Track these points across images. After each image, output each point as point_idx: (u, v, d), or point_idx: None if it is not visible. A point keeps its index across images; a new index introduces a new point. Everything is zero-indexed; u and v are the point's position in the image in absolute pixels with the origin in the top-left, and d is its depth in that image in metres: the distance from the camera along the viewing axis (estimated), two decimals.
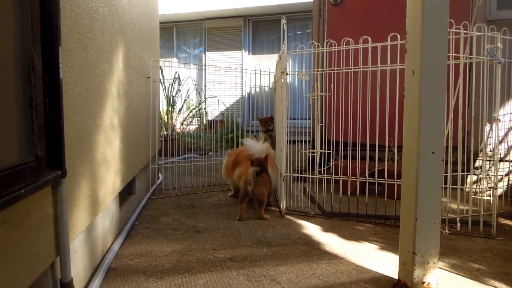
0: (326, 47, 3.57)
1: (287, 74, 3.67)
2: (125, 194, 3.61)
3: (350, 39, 3.43)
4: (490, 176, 3.98)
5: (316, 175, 3.71)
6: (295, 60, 6.69)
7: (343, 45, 3.47)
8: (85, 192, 2.17)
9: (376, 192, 3.49)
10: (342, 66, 3.51)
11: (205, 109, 9.31)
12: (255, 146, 3.98)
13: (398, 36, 3.23)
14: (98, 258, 2.52)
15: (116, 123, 2.89)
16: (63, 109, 1.60)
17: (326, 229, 3.34)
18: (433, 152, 2.00)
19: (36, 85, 1.39)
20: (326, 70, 3.61)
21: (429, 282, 2.09)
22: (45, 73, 1.44)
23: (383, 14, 4.52)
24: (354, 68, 3.45)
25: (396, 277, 2.37)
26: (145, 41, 4.17)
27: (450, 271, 2.46)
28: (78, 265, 2.11)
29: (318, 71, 3.71)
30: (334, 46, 3.53)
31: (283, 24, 3.72)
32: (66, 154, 1.78)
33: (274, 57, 10.79)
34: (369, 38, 3.35)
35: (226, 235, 3.17)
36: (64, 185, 1.75)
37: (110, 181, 2.72)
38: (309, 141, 4.70)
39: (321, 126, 3.70)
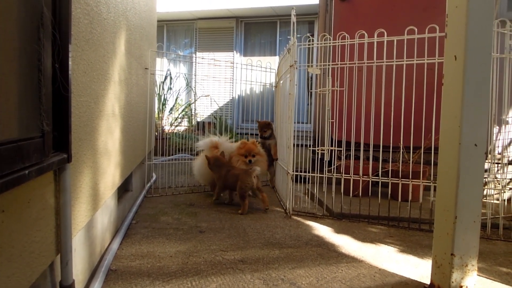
0: (339, 40, 3.40)
1: (296, 68, 3.48)
2: (122, 190, 3.35)
3: (364, 32, 3.27)
4: (498, 179, 3.88)
5: (325, 174, 3.52)
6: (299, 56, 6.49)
7: (356, 38, 3.31)
8: (87, 183, 1.92)
9: (389, 193, 3.32)
10: (355, 60, 3.35)
11: (195, 110, 9.04)
12: (200, 142, 4.43)
13: (416, 29, 3.10)
14: (97, 258, 2.27)
15: (117, 112, 2.65)
16: (70, 78, 1.36)
17: (337, 230, 3.15)
18: (475, 145, 1.84)
19: (45, 46, 1.15)
20: (338, 64, 3.45)
21: (467, 286, 1.91)
22: (55, 32, 1.20)
23: (393, 10, 4.41)
24: (368, 62, 3.30)
25: (424, 281, 2.20)
26: (145, 30, 3.94)
27: (480, 275, 2.30)
28: (77, 266, 1.85)
29: (330, 65, 3.54)
30: (347, 39, 3.36)
31: (292, 15, 3.55)
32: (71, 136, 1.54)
33: (266, 60, 10.61)
34: (385, 31, 3.20)
35: (232, 235, 2.95)
36: (68, 172, 1.50)
37: (110, 174, 2.47)
38: (307, 145, 4.53)
39: (332, 123, 3.53)
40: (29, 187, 1.25)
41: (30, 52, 1.13)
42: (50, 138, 1.26)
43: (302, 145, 4.62)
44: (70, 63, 1.34)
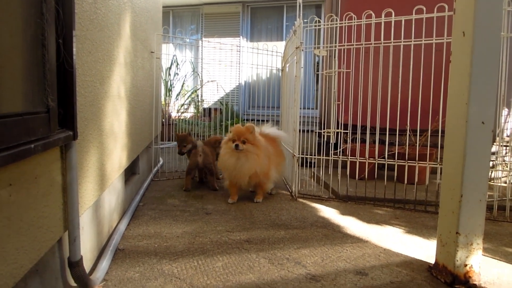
0: (345, 20, 3.35)
1: (302, 50, 3.45)
2: (129, 173, 3.38)
3: (372, 12, 3.22)
4: (506, 162, 3.84)
5: (331, 157, 3.52)
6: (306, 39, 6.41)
7: (363, 19, 3.26)
8: (93, 163, 1.94)
9: (395, 176, 3.31)
10: (362, 41, 3.31)
11: (201, 96, 9.03)
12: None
13: (424, 8, 3.04)
14: (105, 238, 2.30)
15: (123, 94, 2.65)
16: (75, 54, 1.36)
17: (343, 212, 3.16)
18: (483, 122, 1.82)
19: (49, 21, 1.15)
20: (345, 45, 3.40)
21: (471, 265, 1.91)
22: (59, 8, 1.20)
23: None
24: (375, 43, 3.25)
25: (429, 260, 2.20)
26: (150, 13, 3.91)
27: (485, 255, 2.30)
28: (85, 244, 1.88)
29: (336, 46, 3.50)
30: (354, 19, 3.31)
31: None
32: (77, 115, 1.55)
33: (272, 45, 10.49)
34: (392, 11, 3.15)
35: (238, 217, 2.97)
36: (74, 149, 1.52)
37: (117, 156, 2.49)
38: (312, 131, 4.51)
39: (338, 105, 3.50)
40: (36, 163, 1.27)
41: (34, 27, 1.13)
42: (55, 114, 1.27)
43: (309, 131, 4.60)
44: (74, 38, 1.34)
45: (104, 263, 2.00)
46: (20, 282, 1.22)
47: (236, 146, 3.15)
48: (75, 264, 1.62)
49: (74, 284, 1.70)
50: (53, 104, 1.22)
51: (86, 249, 1.91)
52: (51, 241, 1.45)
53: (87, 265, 1.91)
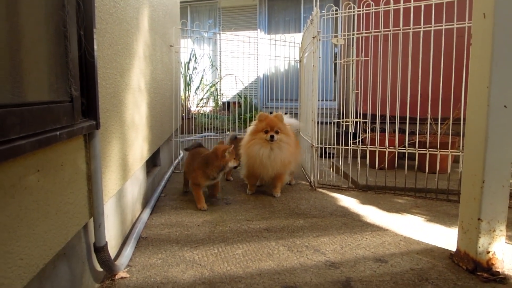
0: (363, 7, 3.31)
1: (320, 39, 3.43)
2: (150, 165, 3.46)
3: None
4: None
5: (350, 146, 3.49)
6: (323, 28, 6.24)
7: (382, 5, 3.21)
8: (116, 153, 2.00)
9: (416, 165, 3.26)
10: (380, 28, 3.26)
11: (220, 89, 9.07)
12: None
13: None
14: (128, 226, 2.38)
15: (143, 87, 2.71)
16: (95, 45, 1.40)
17: (362, 201, 3.14)
18: (505, 106, 1.78)
19: (70, 13, 1.20)
20: (363, 33, 3.36)
21: (494, 252, 1.88)
22: (79, 0, 1.25)
23: None
24: (393, 30, 3.19)
25: (451, 248, 2.18)
26: (167, 7, 3.96)
27: (509, 243, 2.25)
28: (109, 231, 1.95)
29: (354, 34, 3.46)
30: (372, 6, 3.26)
31: None
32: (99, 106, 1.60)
33: (290, 37, 10.37)
34: None
35: (257, 207, 3.00)
36: (98, 139, 1.57)
37: (138, 147, 2.56)
38: (330, 123, 4.47)
39: (356, 94, 3.47)
40: (61, 151, 1.32)
41: (56, 18, 1.18)
42: (78, 103, 1.32)
43: (327, 123, 4.57)
44: (94, 30, 1.38)
45: (128, 250, 2.07)
46: (49, 263, 1.28)
47: (272, 137, 3.06)
48: (101, 249, 1.68)
49: (100, 269, 1.77)
50: (76, 94, 1.27)
51: (111, 236, 1.98)
52: (77, 226, 1.52)
53: (111, 251, 1.97)
